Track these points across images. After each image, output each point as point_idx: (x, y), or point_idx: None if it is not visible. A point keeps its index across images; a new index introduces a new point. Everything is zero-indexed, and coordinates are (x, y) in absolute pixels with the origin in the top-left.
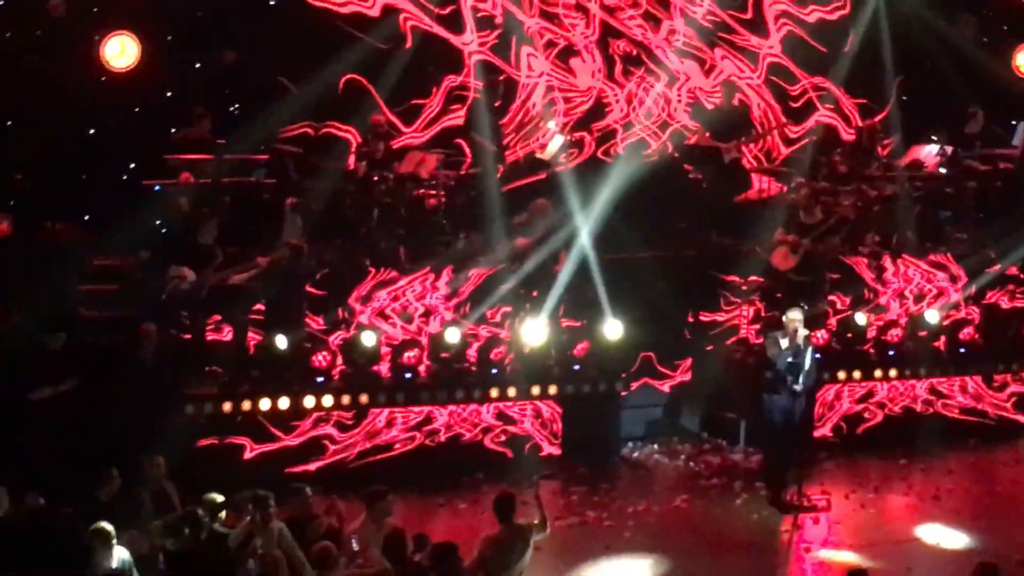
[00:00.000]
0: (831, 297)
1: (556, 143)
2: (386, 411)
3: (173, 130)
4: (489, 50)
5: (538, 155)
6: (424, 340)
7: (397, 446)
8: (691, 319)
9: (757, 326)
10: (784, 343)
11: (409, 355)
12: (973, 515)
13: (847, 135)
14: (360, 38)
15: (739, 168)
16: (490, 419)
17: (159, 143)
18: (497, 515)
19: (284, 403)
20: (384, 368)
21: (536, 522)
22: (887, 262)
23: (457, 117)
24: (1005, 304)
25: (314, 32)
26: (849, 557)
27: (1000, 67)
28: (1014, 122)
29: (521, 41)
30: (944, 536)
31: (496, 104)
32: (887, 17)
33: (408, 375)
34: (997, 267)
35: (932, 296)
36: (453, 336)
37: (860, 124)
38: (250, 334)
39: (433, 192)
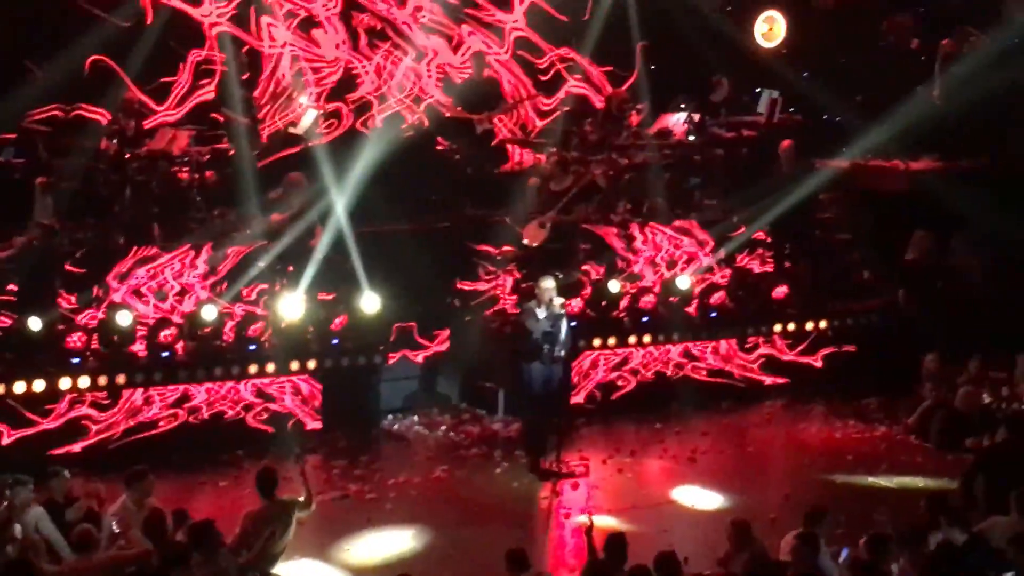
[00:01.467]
0: (585, 266)
1: (310, 117)
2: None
3: None
4: (229, 21)
5: (292, 129)
6: (179, 319)
7: (160, 424)
8: (449, 290)
9: (515, 296)
10: (540, 313)
11: (165, 334)
12: (726, 476)
13: (599, 104)
14: (102, 17)
15: (492, 140)
16: (250, 396)
17: None
18: (259, 491)
19: (39, 386)
20: (140, 348)
21: (300, 499)
22: (635, 230)
23: (208, 92)
24: (756, 268)
25: (55, 13)
26: (608, 521)
27: (742, 35)
28: (757, 89)
29: (260, 11)
30: (699, 497)
31: (244, 77)
32: None
33: (165, 354)
34: (742, 230)
35: (684, 262)
36: (209, 314)
37: (609, 93)
38: (1, 317)
39: (186, 169)
